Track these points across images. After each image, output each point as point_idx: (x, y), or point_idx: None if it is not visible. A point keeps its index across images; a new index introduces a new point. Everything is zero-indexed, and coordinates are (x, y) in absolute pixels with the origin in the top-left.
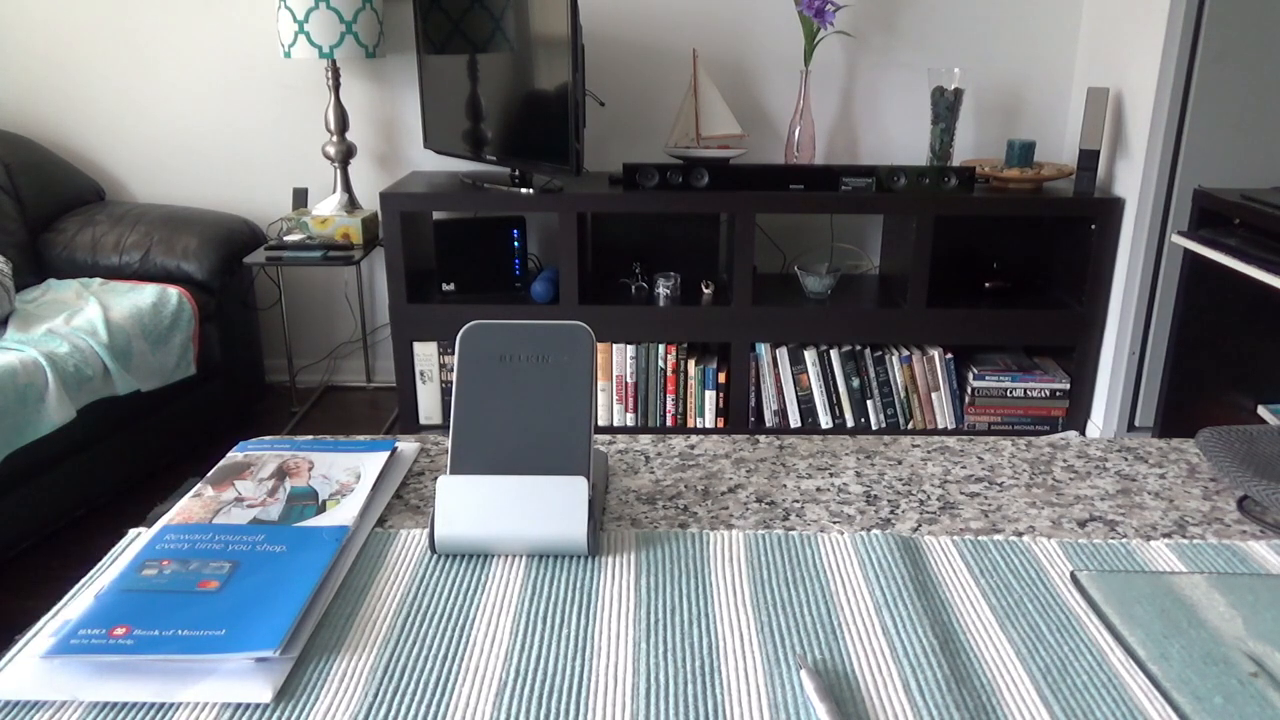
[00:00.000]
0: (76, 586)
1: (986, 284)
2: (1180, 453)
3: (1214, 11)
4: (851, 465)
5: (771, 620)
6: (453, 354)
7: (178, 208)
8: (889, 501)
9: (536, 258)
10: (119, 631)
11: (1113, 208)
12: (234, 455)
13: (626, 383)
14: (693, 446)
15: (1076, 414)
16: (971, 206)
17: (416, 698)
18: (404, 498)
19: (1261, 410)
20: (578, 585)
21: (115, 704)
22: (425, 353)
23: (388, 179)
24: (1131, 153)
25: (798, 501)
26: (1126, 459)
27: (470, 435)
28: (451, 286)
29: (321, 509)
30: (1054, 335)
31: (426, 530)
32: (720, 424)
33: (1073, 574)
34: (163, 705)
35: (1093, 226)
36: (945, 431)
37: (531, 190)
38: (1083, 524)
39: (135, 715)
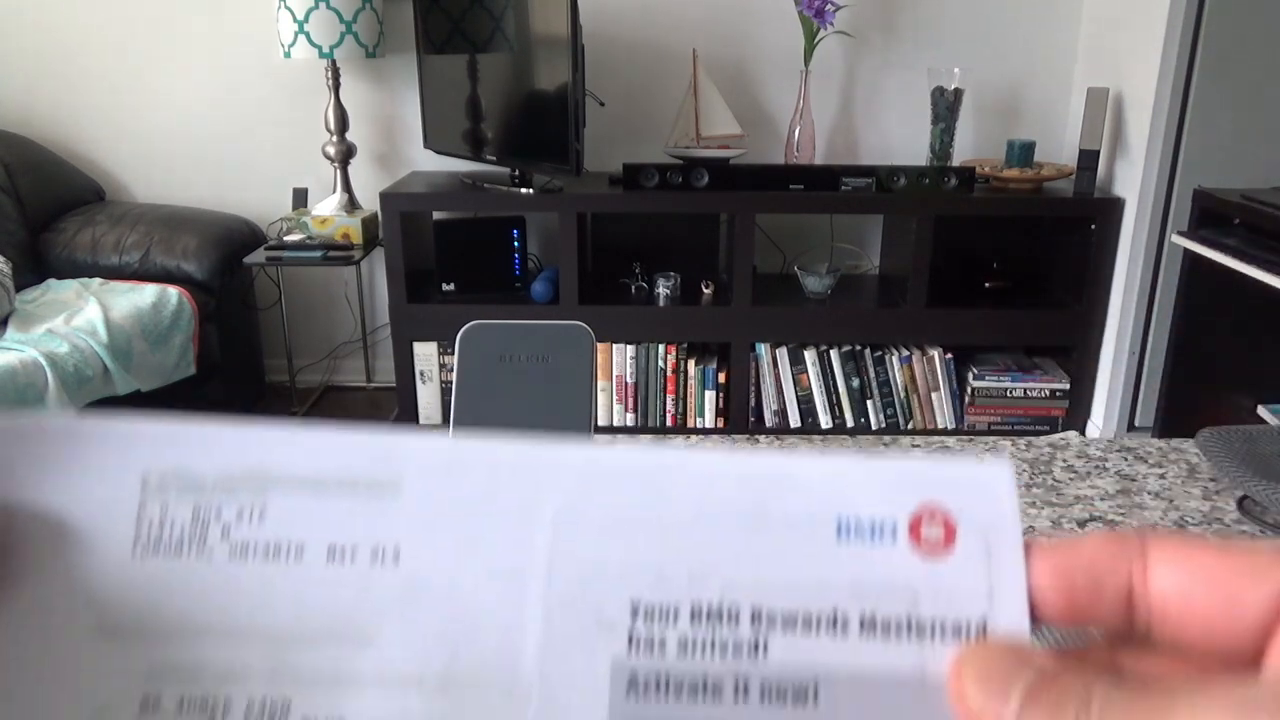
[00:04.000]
0: None
1: (986, 284)
2: (1180, 453)
3: (1214, 11)
4: None
5: None
6: (453, 354)
7: (178, 208)
8: None
9: (536, 258)
10: None
11: (1113, 208)
12: None
13: (626, 383)
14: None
15: (1076, 414)
16: (971, 206)
17: None
18: None
19: (1261, 410)
20: None
21: None
22: (425, 353)
23: (388, 179)
24: (1131, 153)
25: None
26: (1126, 459)
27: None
28: (451, 286)
29: None
30: (1054, 335)
31: None
32: (720, 424)
33: None
34: None
35: (1093, 226)
36: (945, 431)
37: (531, 190)
38: (1083, 524)
39: None
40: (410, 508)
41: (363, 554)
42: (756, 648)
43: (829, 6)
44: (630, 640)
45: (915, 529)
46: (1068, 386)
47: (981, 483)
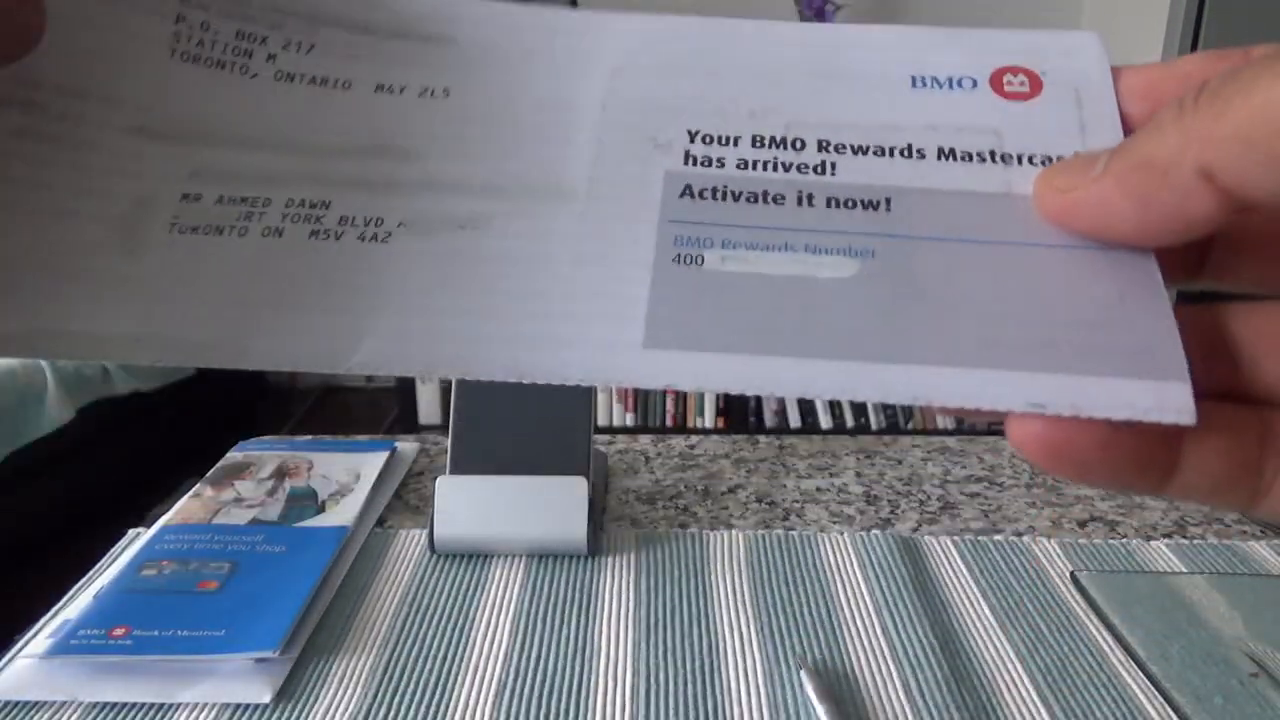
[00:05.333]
0: (76, 586)
1: None
2: None
3: (1214, 11)
4: (851, 465)
5: (771, 620)
6: None
7: None
8: (889, 501)
9: None
10: (118, 632)
11: None
12: (233, 455)
13: None
14: (693, 446)
15: None
16: None
17: (416, 698)
18: (403, 498)
19: None
20: (578, 585)
21: (114, 704)
22: None
23: None
24: None
25: (798, 501)
26: None
27: (470, 435)
28: None
29: (321, 509)
30: None
31: (426, 530)
32: (721, 424)
33: (1073, 574)
34: (162, 705)
35: None
36: (945, 431)
37: None
38: (1083, 524)
39: (134, 715)
40: (461, 56)
41: (411, 90)
42: (823, 169)
43: (829, 6)
44: (686, 157)
45: (996, 80)
46: None
47: (1068, 44)
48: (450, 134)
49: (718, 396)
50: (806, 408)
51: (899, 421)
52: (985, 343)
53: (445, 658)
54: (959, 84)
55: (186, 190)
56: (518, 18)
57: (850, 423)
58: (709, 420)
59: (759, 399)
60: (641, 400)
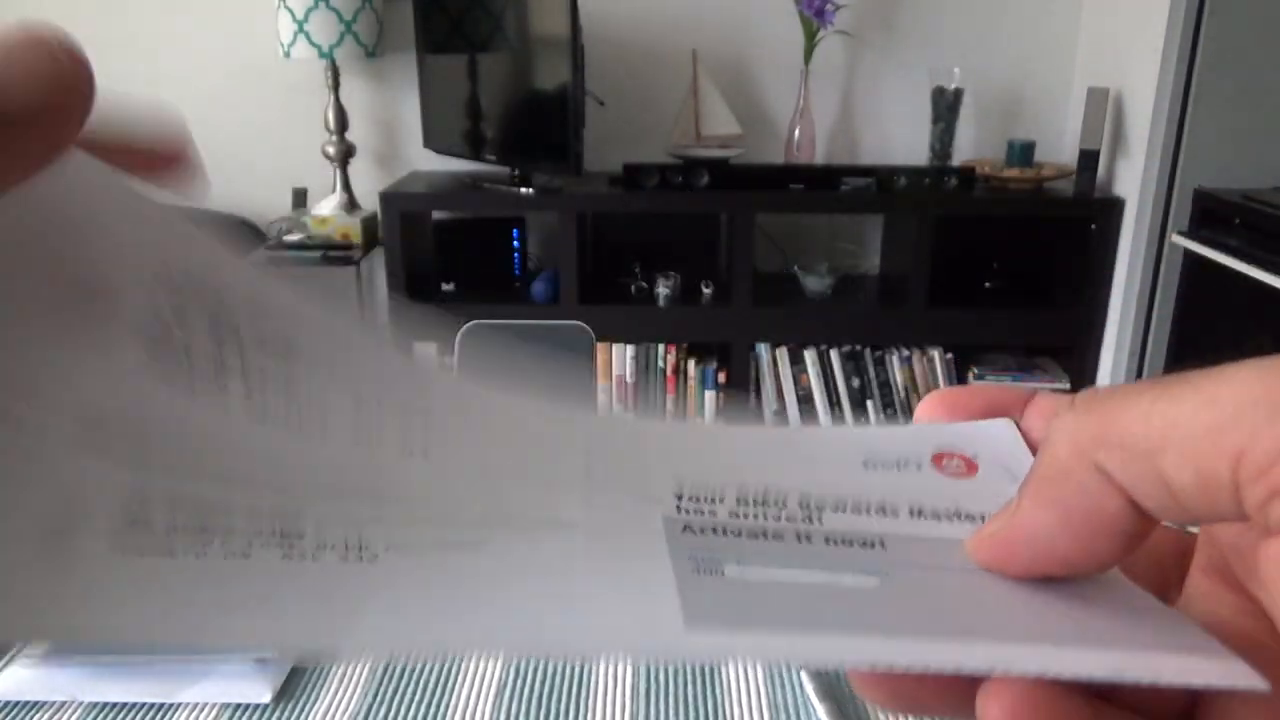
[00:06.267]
0: None
1: (986, 284)
2: None
3: (1214, 11)
4: None
5: None
6: (452, 354)
7: (177, 208)
8: None
9: (536, 258)
10: None
11: (1113, 208)
12: None
13: (626, 383)
14: None
15: None
16: (971, 206)
17: (416, 698)
18: None
19: None
20: None
21: (115, 704)
22: (424, 353)
23: (387, 179)
24: (1131, 153)
25: None
26: None
27: None
28: (451, 286)
29: None
30: (1054, 335)
31: None
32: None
33: None
34: (162, 705)
35: (1093, 227)
36: None
37: (531, 190)
38: None
39: (135, 715)
40: (439, 424)
41: (390, 444)
42: (809, 519)
43: (829, 6)
44: (678, 509)
45: (937, 462)
46: (1068, 386)
47: (989, 430)
48: (435, 486)
49: (717, 394)
50: (806, 408)
51: (899, 422)
52: (1035, 625)
53: (445, 658)
54: (905, 465)
55: (135, 516)
56: (488, 402)
57: (850, 423)
58: (709, 420)
59: (759, 395)
60: (641, 400)
